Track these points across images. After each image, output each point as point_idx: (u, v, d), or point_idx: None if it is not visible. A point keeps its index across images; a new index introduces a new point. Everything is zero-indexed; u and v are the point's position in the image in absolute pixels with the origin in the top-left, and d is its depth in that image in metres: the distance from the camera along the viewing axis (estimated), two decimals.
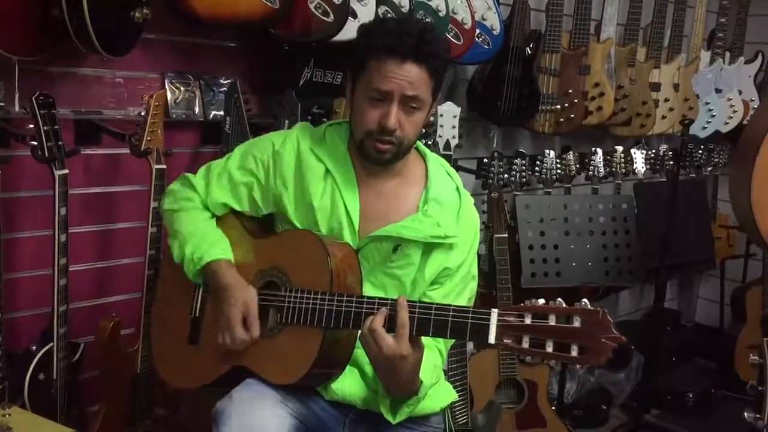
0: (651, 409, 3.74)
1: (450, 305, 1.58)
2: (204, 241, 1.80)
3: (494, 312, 1.51)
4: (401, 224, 1.75)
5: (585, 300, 1.48)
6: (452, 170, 1.90)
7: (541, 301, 1.51)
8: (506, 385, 2.94)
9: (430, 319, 1.56)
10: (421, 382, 1.67)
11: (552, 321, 1.47)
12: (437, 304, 1.59)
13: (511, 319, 1.50)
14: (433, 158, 1.88)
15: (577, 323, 1.45)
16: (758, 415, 1.98)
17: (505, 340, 1.49)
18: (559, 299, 1.50)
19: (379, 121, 1.68)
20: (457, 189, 1.85)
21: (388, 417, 1.70)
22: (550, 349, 1.46)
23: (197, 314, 1.85)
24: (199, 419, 2.07)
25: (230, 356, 1.76)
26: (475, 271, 1.86)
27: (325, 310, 1.64)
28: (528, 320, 1.48)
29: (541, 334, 1.47)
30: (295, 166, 1.80)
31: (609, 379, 3.69)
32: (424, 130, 1.96)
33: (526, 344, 1.48)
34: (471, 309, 1.54)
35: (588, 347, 1.44)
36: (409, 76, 1.66)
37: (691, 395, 3.81)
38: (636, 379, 3.74)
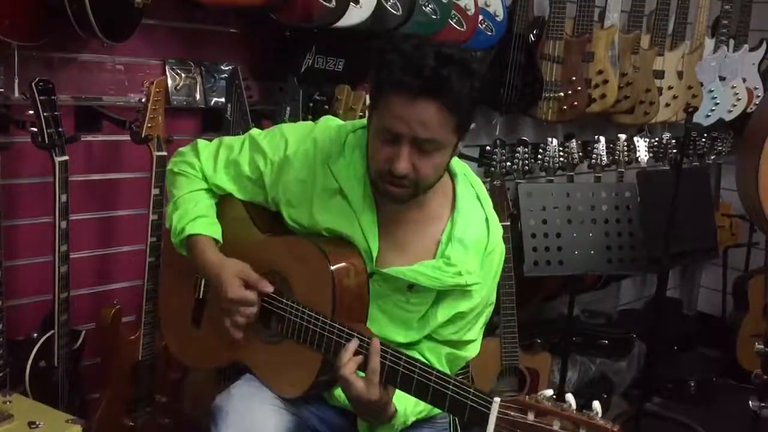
0: (652, 398, 3.74)
1: (451, 378, 1.47)
2: (192, 212, 1.72)
3: (496, 402, 1.40)
4: (419, 270, 1.59)
5: (597, 405, 1.35)
6: (483, 192, 1.70)
7: (549, 392, 1.37)
8: (508, 373, 2.93)
9: (429, 386, 1.47)
10: (396, 410, 1.57)
11: (556, 426, 1.33)
12: (438, 371, 1.49)
13: (513, 413, 1.37)
14: (463, 179, 1.68)
15: None
16: (763, 404, 1.98)
17: None
18: (570, 395, 1.36)
19: (389, 164, 1.50)
20: (487, 220, 1.66)
21: None
22: None
23: (200, 296, 1.82)
24: (200, 407, 2.07)
25: (231, 350, 1.73)
26: (493, 298, 1.71)
27: (325, 337, 1.57)
28: (531, 418, 1.35)
29: None
30: (306, 176, 1.67)
31: (610, 368, 3.68)
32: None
33: None
34: (472, 389, 1.44)
35: None
36: (422, 116, 1.43)
37: (692, 384, 3.81)
38: (637, 368, 3.74)
